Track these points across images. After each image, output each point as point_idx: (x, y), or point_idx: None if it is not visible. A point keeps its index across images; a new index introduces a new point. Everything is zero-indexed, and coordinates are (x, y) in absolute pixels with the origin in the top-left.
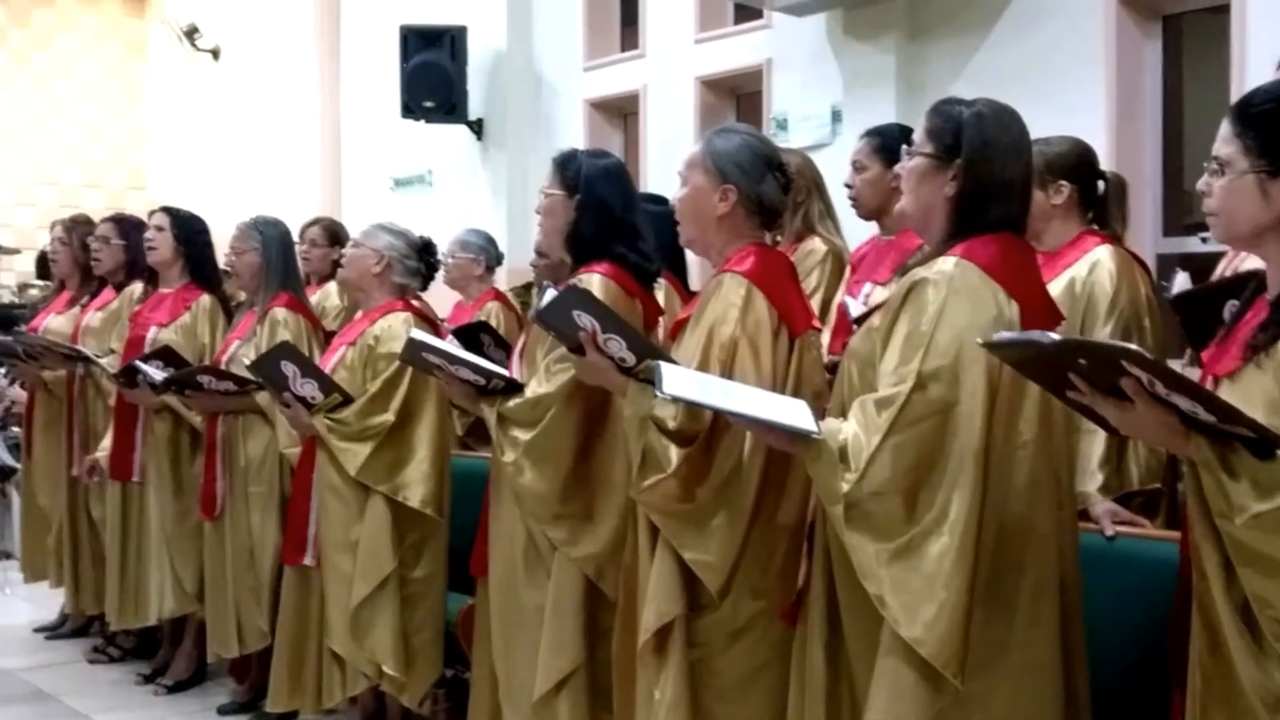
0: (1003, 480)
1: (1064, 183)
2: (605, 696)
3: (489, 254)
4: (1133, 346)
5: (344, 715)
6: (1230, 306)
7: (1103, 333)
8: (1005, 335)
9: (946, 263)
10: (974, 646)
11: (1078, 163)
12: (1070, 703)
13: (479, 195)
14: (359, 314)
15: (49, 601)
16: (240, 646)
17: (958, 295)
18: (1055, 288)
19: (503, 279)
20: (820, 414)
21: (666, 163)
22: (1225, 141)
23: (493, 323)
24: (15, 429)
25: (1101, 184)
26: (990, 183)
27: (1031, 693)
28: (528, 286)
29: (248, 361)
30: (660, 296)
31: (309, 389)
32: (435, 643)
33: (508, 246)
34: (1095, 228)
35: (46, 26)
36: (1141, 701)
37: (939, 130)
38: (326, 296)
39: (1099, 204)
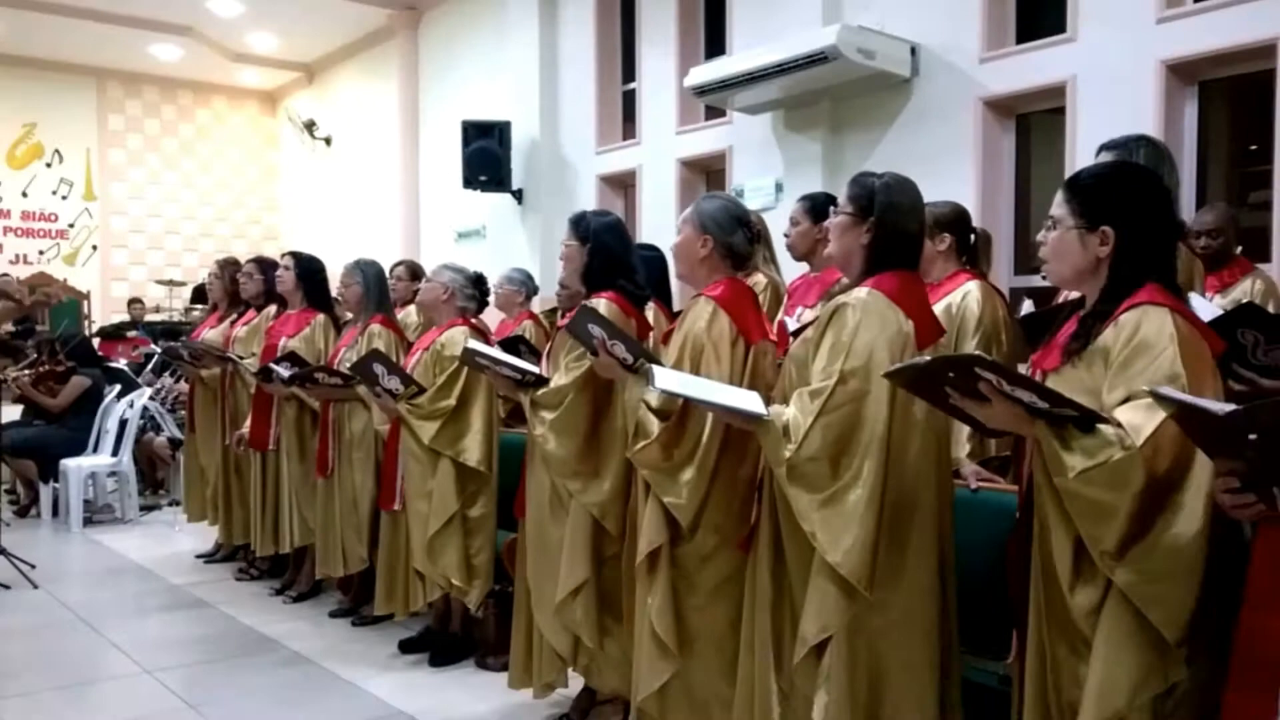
0: (901, 449)
1: (946, 234)
2: (606, 603)
3: (528, 287)
4: (979, 354)
5: (420, 619)
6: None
7: (970, 345)
8: (896, 365)
9: (861, 291)
10: (878, 569)
11: (956, 220)
12: (944, 608)
13: (519, 244)
14: (432, 329)
15: (206, 536)
16: (345, 568)
17: (870, 315)
18: (936, 309)
19: (536, 305)
20: (768, 401)
21: (656, 221)
22: (1058, 205)
23: (528, 336)
24: (181, 412)
25: (973, 236)
26: (894, 234)
27: (918, 601)
28: (553, 311)
29: (350, 365)
30: (650, 316)
31: (393, 383)
32: (488, 564)
33: (540, 282)
34: (968, 267)
35: (206, 122)
36: (991, 605)
37: (857, 195)
38: (408, 316)
39: (971, 250)
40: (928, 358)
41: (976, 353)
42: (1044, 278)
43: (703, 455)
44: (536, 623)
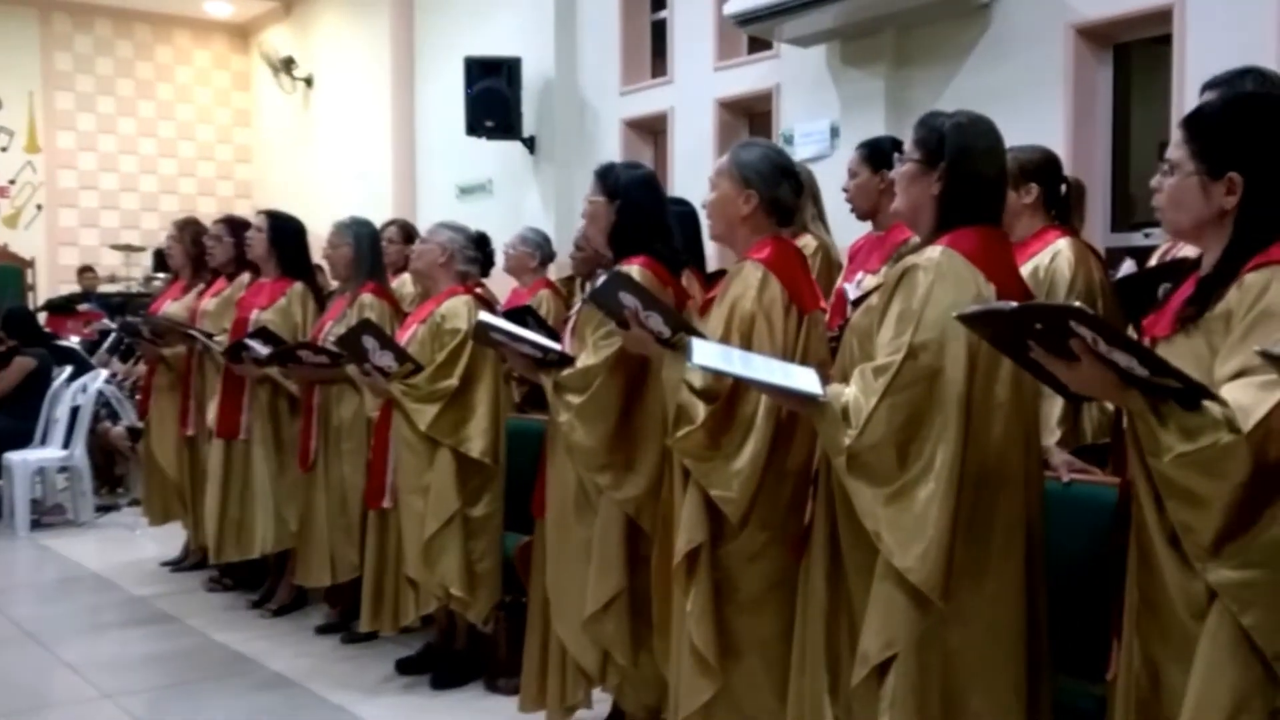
0: (981, 435)
1: (1033, 184)
2: (643, 616)
3: (543, 250)
4: (1078, 305)
5: (420, 636)
6: (1163, 288)
7: None
8: (973, 308)
9: (934, 251)
10: (955, 574)
11: (1044, 167)
12: (1032, 619)
13: (531, 201)
14: (429, 299)
15: (172, 541)
16: (333, 577)
17: (944, 279)
18: (1022, 271)
19: (551, 271)
20: (824, 380)
21: (691, 172)
22: (1176, 147)
23: (544, 306)
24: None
25: (1064, 186)
26: (969, 182)
27: (1002, 612)
28: (571, 279)
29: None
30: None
31: (386, 359)
32: (494, 571)
33: (557, 244)
34: (1058, 223)
35: (167, 61)
36: (1089, 616)
37: (925, 139)
38: (402, 285)
39: (1062, 203)
40: (1013, 304)
41: (1077, 304)
42: (1146, 235)
43: (756, 443)
44: (557, 637)
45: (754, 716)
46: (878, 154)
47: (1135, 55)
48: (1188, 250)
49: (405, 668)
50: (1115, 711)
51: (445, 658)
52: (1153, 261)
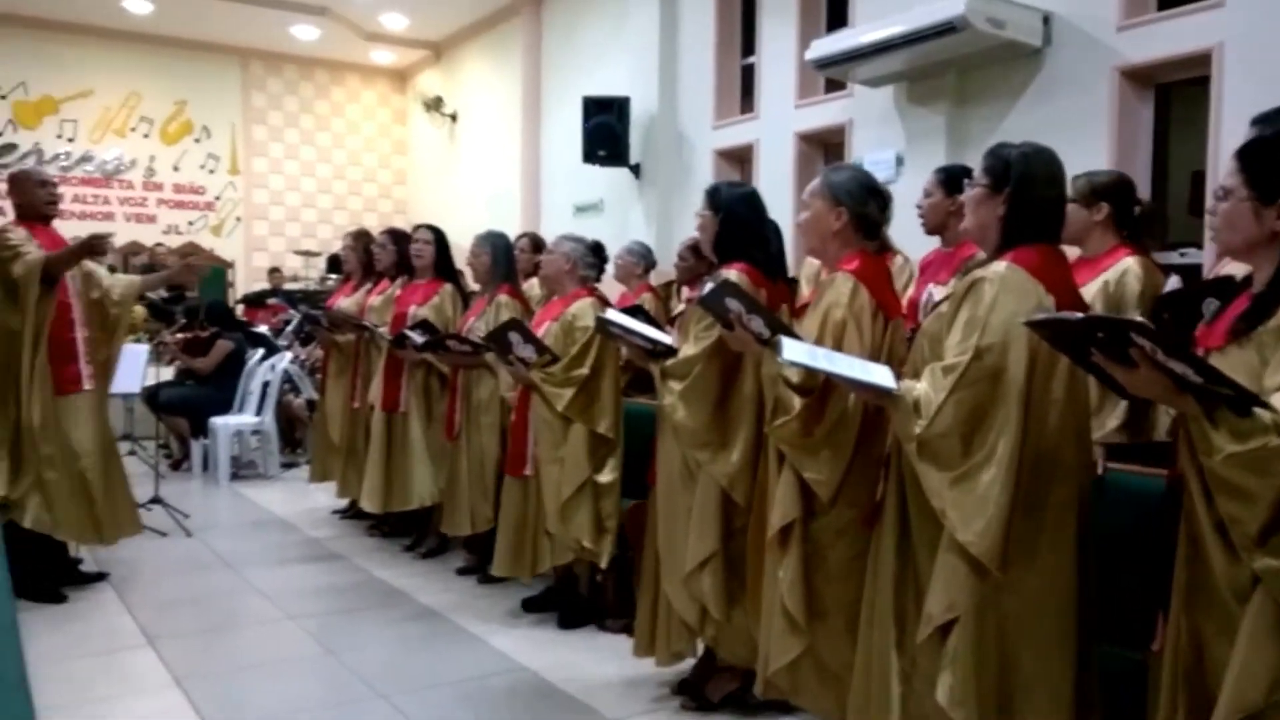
0: (1038, 427)
1: (1104, 203)
2: (734, 575)
3: (646, 259)
4: (1140, 320)
5: (544, 579)
6: (1209, 303)
7: None
8: (1042, 315)
9: (999, 266)
10: (1012, 548)
11: (1115, 188)
12: (1083, 592)
13: (635, 218)
14: (553, 300)
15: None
16: (472, 528)
17: (1008, 290)
18: (1093, 286)
19: (652, 277)
20: (898, 377)
21: (773, 195)
22: (1230, 174)
23: (647, 307)
24: (318, 376)
25: (1136, 208)
26: (1031, 206)
27: (1055, 584)
28: (669, 284)
29: (480, 333)
30: None
31: (527, 351)
32: (614, 528)
33: (657, 255)
34: (1129, 241)
35: (340, 100)
36: (1133, 591)
37: (993, 167)
38: (531, 288)
39: (1134, 223)
40: (1080, 315)
41: (1138, 319)
42: (1182, 254)
43: (845, 432)
44: (664, 592)
45: (835, 672)
46: (952, 179)
47: (1175, 95)
48: (1231, 268)
49: (529, 606)
50: (1162, 680)
51: (568, 600)
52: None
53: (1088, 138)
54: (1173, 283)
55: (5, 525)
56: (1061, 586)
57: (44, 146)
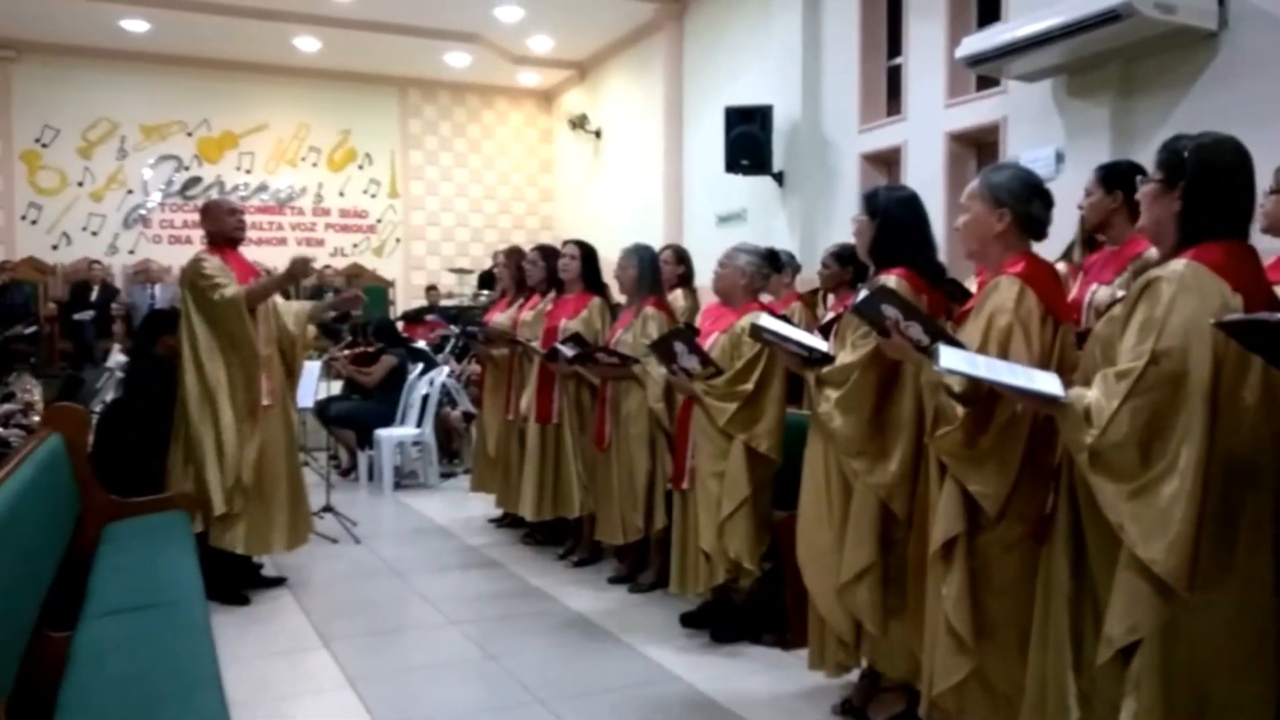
0: (1229, 436)
1: None
2: (892, 588)
3: (792, 267)
4: None
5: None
6: None
7: None
8: (1234, 316)
9: (1178, 264)
10: (1202, 567)
11: None
12: None
13: (779, 226)
14: (722, 310)
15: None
16: (624, 537)
17: (1187, 290)
18: None
19: (799, 285)
20: (1069, 384)
21: (923, 197)
22: None
23: (795, 316)
24: (474, 389)
25: None
26: (1210, 200)
27: (1250, 605)
28: (814, 291)
29: (626, 345)
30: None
31: (691, 362)
32: (767, 541)
33: (801, 262)
34: None
35: (490, 122)
36: None
37: (1167, 160)
38: (676, 300)
39: None
40: (1278, 316)
41: None
42: None
43: (1012, 442)
44: (815, 604)
45: (1004, 693)
46: (1113, 175)
47: None
48: None
49: (687, 621)
50: None
51: (724, 615)
52: None
53: (1271, 127)
54: None
55: (198, 535)
56: (1259, 609)
57: (225, 178)
